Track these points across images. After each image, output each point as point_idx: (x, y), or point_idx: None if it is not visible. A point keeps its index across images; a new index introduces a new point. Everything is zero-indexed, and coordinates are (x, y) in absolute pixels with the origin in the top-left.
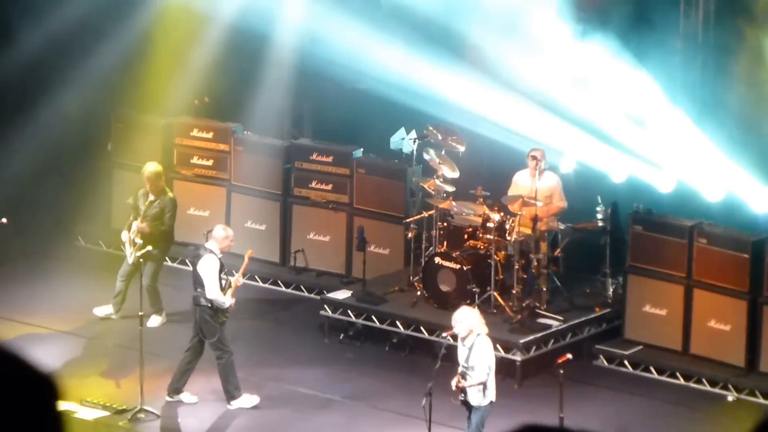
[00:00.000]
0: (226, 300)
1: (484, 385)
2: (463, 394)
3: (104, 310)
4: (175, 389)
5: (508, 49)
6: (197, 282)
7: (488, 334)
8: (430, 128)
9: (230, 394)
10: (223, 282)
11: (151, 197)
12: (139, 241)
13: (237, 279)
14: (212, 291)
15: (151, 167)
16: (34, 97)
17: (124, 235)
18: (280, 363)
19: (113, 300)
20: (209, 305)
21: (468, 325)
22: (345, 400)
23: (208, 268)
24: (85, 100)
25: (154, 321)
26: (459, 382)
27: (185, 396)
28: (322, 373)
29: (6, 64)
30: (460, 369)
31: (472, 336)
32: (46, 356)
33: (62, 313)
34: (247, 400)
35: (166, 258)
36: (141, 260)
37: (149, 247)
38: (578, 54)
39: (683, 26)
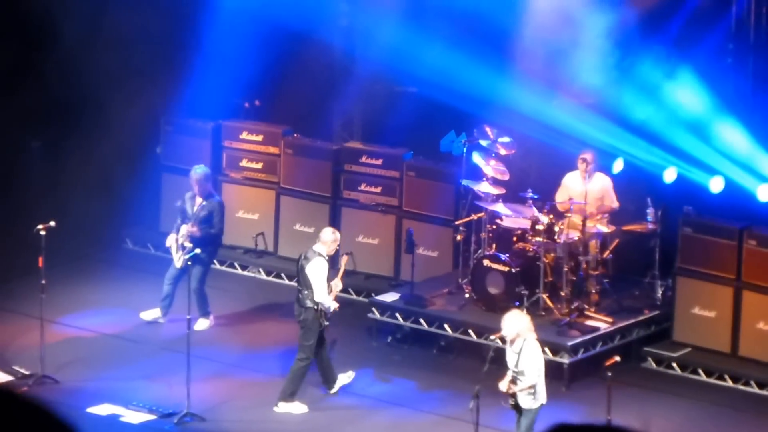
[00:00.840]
0: (332, 303)
1: (534, 388)
2: (513, 398)
3: (151, 314)
4: (333, 380)
5: (558, 50)
6: (305, 284)
7: (536, 338)
8: (480, 131)
9: (285, 396)
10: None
11: (199, 200)
12: (188, 245)
13: (336, 283)
14: (320, 294)
15: (200, 170)
16: (82, 100)
17: (171, 239)
18: None
19: (161, 303)
20: (315, 307)
21: (516, 329)
22: (392, 403)
23: (317, 270)
24: (135, 102)
25: (202, 324)
26: (510, 387)
27: (342, 378)
28: (369, 375)
29: (55, 67)
30: (509, 373)
31: (519, 340)
32: (93, 359)
33: (110, 317)
34: (297, 407)
35: (215, 261)
36: (189, 263)
37: (197, 250)
38: (628, 55)
39: (735, 27)
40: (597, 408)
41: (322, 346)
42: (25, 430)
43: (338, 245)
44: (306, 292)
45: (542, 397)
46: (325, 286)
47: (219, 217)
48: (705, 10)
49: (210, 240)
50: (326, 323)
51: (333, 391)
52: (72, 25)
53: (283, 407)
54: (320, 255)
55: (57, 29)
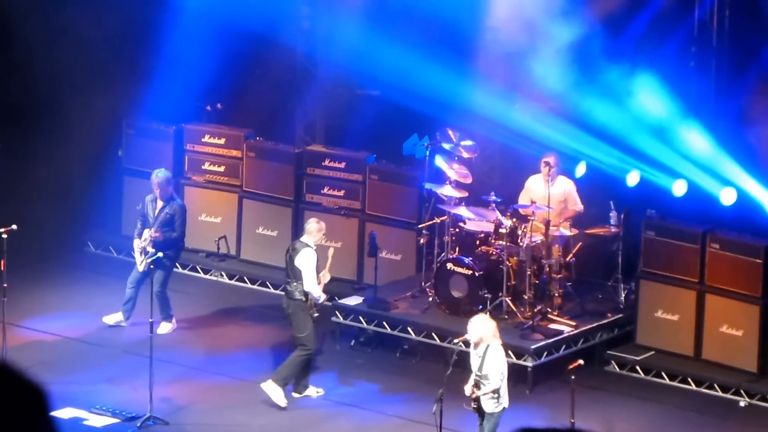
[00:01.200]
0: (322, 294)
1: (498, 392)
2: (476, 402)
3: (114, 317)
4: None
5: (519, 53)
6: (294, 275)
7: (501, 343)
8: (443, 134)
9: (277, 377)
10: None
11: (160, 203)
12: (150, 249)
13: (324, 275)
14: (310, 284)
15: (161, 173)
16: (43, 103)
17: (137, 243)
18: None
19: (123, 307)
20: (303, 299)
21: (481, 333)
22: (355, 406)
23: (307, 261)
24: (96, 105)
25: (164, 328)
26: (473, 391)
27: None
28: (333, 378)
29: (16, 72)
30: (473, 377)
31: (483, 344)
32: (55, 363)
33: (72, 320)
34: (278, 396)
35: (177, 264)
36: (151, 267)
37: (160, 254)
38: (590, 58)
39: (697, 31)
40: (560, 411)
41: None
42: None
43: (323, 234)
44: (295, 284)
45: (505, 400)
46: (315, 276)
47: (180, 221)
48: (667, 14)
49: (172, 244)
50: (316, 314)
51: (298, 395)
52: (30, 26)
53: (269, 387)
54: (308, 246)
55: (15, 31)
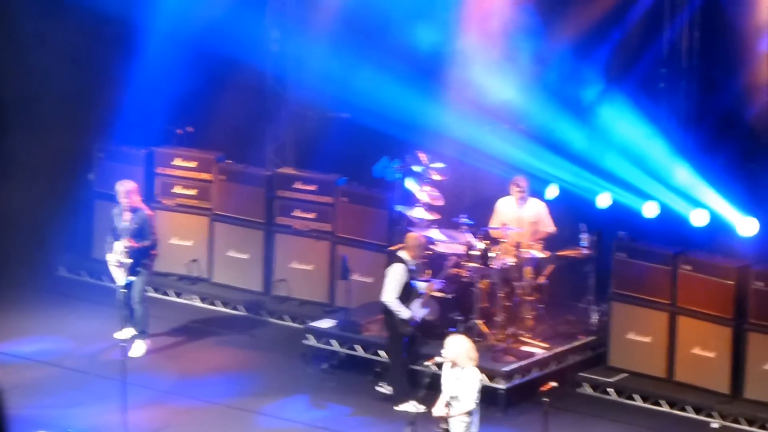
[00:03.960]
0: (402, 310)
1: (470, 416)
2: (446, 424)
3: (125, 332)
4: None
5: (489, 76)
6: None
7: (476, 364)
8: (413, 156)
9: (396, 399)
10: (417, 291)
11: (128, 215)
12: (126, 260)
13: (430, 285)
14: (386, 294)
15: (128, 183)
16: (14, 128)
17: (110, 257)
18: (263, 392)
19: (128, 323)
20: (387, 308)
21: (456, 353)
22: (327, 429)
23: (391, 273)
24: (66, 129)
25: (138, 349)
26: (447, 413)
27: (410, 405)
28: (305, 402)
29: None
30: (443, 398)
31: (460, 365)
32: (28, 387)
33: (45, 344)
34: (412, 406)
35: (149, 288)
36: (130, 278)
37: (130, 261)
38: (561, 81)
39: (667, 52)
40: None
41: (412, 354)
42: None
43: (424, 251)
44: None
45: (476, 426)
46: (394, 290)
47: (150, 228)
48: (637, 35)
49: (146, 253)
50: (406, 329)
51: (397, 408)
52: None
53: (400, 407)
54: (401, 260)
55: None
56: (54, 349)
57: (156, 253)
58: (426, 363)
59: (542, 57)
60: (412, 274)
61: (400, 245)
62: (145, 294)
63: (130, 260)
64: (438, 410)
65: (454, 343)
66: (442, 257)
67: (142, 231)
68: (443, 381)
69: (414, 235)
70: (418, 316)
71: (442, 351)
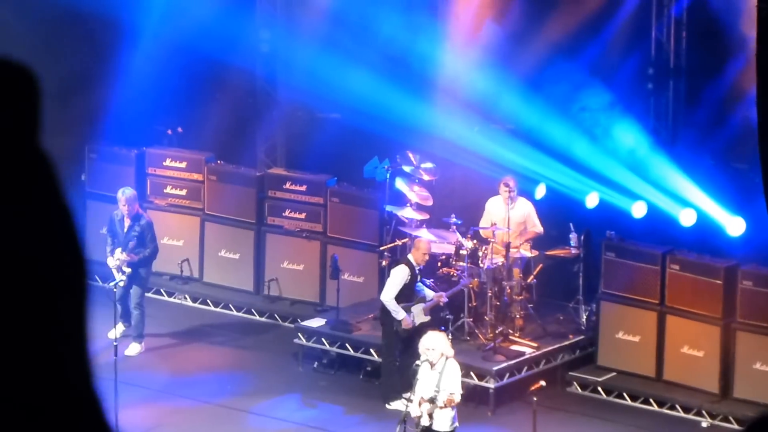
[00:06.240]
0: (399, 311)
1: (454, 409)
2: (430, 420)
3: (118, 330)
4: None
5: (477, 76)
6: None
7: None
8: (403, 157)
9: (386, 396)
10: (421, 293)
11: (128, 222)
12: (126, 269)
13: (439, 296)
14: (385, 293)
15: (128, 191)
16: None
17: (111, 261)
18: (254, 391)
19: (121, 319)
20: (384, 307)
21: (441, 350)
22: (319, 428)
23: (394, 273)
24: (57, 130)
25: (133, 349)
26: (431, 408)
27: (400, 404)
28: (296, 401)
29: None
30: (419, 395)
31: (442, 360)
32: None
33: None
34: (400, 404)
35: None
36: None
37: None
38: (548, 81)
39: (655, 52)
40: None
41: (407, 355)
42: None
43: (427, 255)
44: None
45: (456, 419)
46: (394, 290)
47: (150, 236)
48: (624, 35)
49: (146, 261)
50: (402, 329)
51: (389, 406)
52: None
53: (391, 405)
54: (407, 262)
55: None
56: None
57: (155, 258)
58: (417, 362)
59: (531, 56)
60: (417, 277)
61: (394, 244)
62: (143, 298)
63: (129, 269)
64: (415, 410)
65: (434, 340)
66: (433, 257)
67: (142, 239)
68: (420, 380)
69: (424, 240)
70: (417, 321)
71: (425, 351)
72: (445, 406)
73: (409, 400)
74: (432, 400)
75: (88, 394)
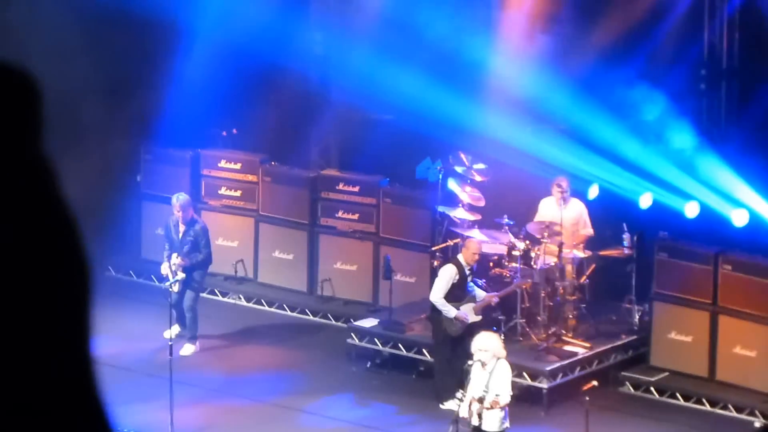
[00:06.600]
0: (449, 309)
1: (505, 410)
2: (479, 420)
3: (173, 331)
4: (447, 395)
5: (531, 77)
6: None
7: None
8: (456, 157)
9: (439, 397)
10: (472, 293)
11: (182, 227)
12: (180, 274)
13: (491, 297)
14: (433, 293)
15: (182, 196)
16: (63, 130)
17: (164, 267)
18: (308, 391)
19: (178, 322)
20: (435, 307)
21: (493, 351)
22: (372, 427)
23: (442, 272)
24: (114, 133)
25: (188, 349)
26: (482, 406)
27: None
28: (348, 401)
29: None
30: (472, 397)
31: (493, 360)
32: None
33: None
34: (453, 404)
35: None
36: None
37: (182, 275)
38: (600, 82)
39: (707, 53)
40: None
41: (458, 354)
42: None
43: (476, 255)
44: None
45: (507, 421)
46: (442, 290)
47: (205, 241)
48: (677, 36)
49: (200, 265)
50: (452, 328)
51: (443, 406)
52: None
53: (445, 405)
54: (455, 262)
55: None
56: (103, 348)
57: (210, 262)
58: (470, 362)
59: (583, 57)
60: (466, 277)
61: (446, 245)
62: (197, 301)
63: (183, 274)
64: (464, 410)
65: (487, 341)
66: (485, 257)
67: (197, 244)
68: (472, 381)
69: (474, 240)
70: (468, 319)
71: (477, 352)
72: (491, 408)
73: (460, 399)
74: (481, 400)
75: (90, 396)
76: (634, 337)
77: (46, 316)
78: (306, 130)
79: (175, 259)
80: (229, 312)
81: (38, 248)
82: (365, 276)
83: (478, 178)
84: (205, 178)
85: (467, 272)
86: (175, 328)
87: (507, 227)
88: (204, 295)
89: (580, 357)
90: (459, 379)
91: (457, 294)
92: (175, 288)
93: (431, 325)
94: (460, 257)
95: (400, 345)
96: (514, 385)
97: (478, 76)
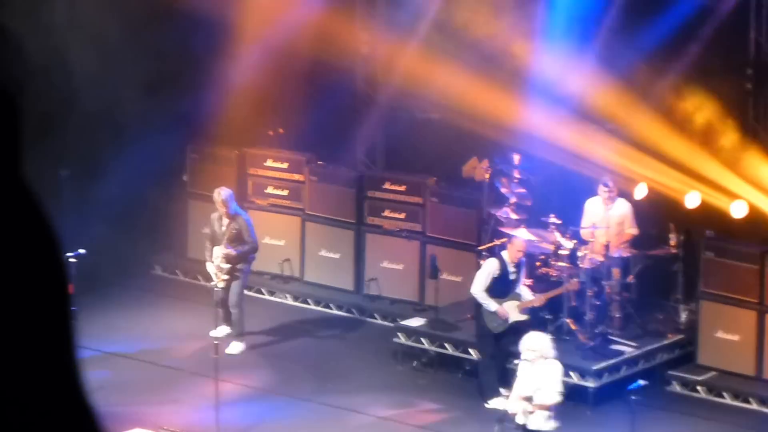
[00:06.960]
0: (489, 303)
1: (552, 410)
2: (526, 418)
3: (221, 330)
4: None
5: (577, 76)
6: None
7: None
8: (503, 157)
9: (483, 395)
10: (517, 291)
11: (226, 220)
12: (225, 266)
13: (538, 298)
14: (474, 286)
15: (223, 191)
16: (110, 129)
17: (210, 267)
18: (354, 390)
19: (225, 323)
20: (477, 302)
21: (541, 351)
22: (418, 427)
23: (483, 266)
24: (161, 132)
25: (235, 347)
26: (529, 406)
27: (498, 402)
28: (395, 400)
29: (87, 97)
30: (519, 395)
31: (541, 360)
32: (123, 384)
33: (141, 342)
34: (501, 402)
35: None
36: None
37: (229, 266)
38: (647, 81)
39: (754, 52)
40: None
41: (502, 352)
42: None
43: (521, 253)
44: None
45: (555, 420)
46: (482, 282)
47: (248, 233)
48: (723, 35)
49: (245, 257)
50: (494, 325)
51: (488, 404)
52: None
53: (490, 404)
54: (498, 257)
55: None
56: (150, 347)
57: (254, 257)
58: (516, 361)
59: (630, 56)
60: (508, 273)
61: (492, 244)
62: (242, 297)
63: (229, 265)
64: (513, 407)
65: (536, 340)
66: (532, 257)
67: (241, 236)
68: (520, 378)
69: (521, 239)
70: (511, 318)
71: (526, 352)
72: (539, 408)
73: (506, 397)
74: (528, 399)
75: (76, 403)
76: (681, 336)
77: (21, 328)
78: (352, 130)
79: (222, 250)
80: (276, 311)
81: (16, 270)
82: (412, 275)
83: (524, 178)
84: (251, 177)
85: (510, 269)
86: (223, 329)
87: (553, 226)
88: (251, 293)
89: (626, 356)
90: (504, 378)
91: (499, 289)
92: (221, 281)
93: (475, 322)
94: (505, 254)
95: (446, 344)
96: (561, 384)
97: (526, 75)
